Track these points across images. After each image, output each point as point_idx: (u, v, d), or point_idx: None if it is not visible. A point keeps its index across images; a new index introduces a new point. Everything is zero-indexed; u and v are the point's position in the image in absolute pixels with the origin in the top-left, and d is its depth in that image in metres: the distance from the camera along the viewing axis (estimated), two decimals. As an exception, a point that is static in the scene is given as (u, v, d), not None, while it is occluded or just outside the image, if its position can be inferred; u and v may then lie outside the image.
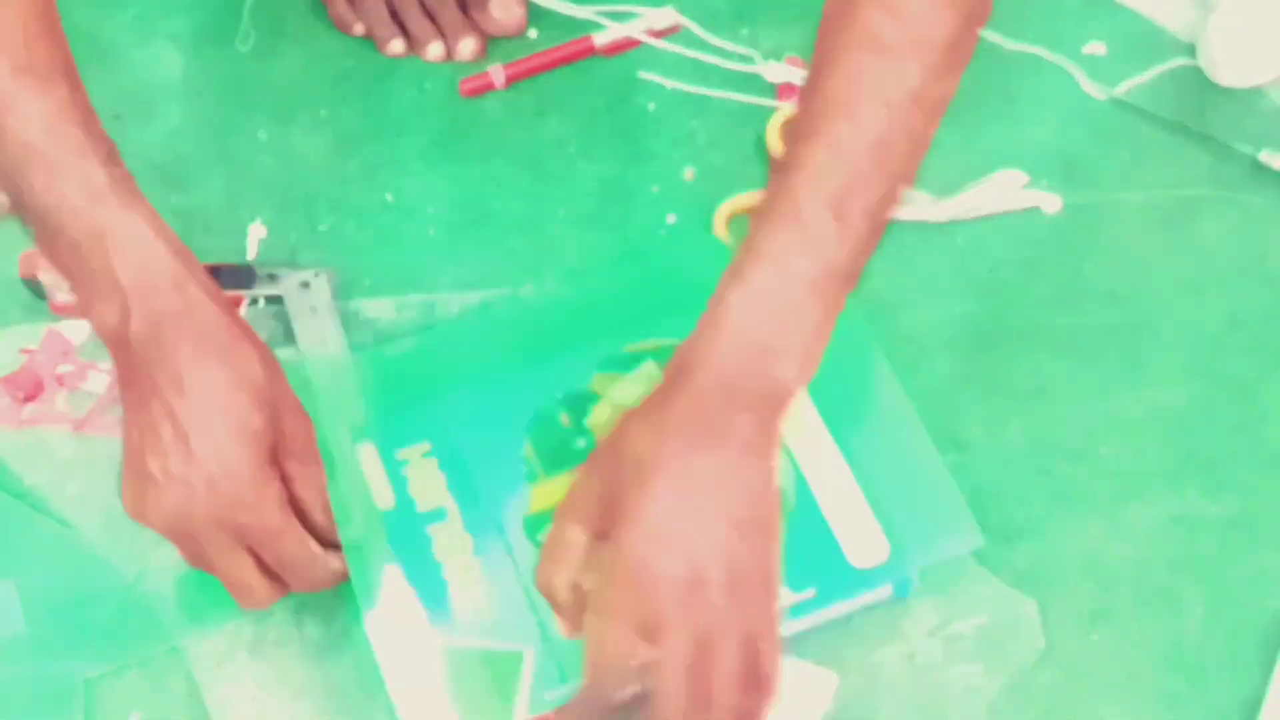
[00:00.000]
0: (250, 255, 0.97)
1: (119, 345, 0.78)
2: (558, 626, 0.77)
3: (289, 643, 0.85)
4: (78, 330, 0.94)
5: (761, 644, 0.74)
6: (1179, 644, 0.86)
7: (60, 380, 0.93)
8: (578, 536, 0.75)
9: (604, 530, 0.74)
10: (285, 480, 0.80)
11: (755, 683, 0.74)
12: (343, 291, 0.96)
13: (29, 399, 0.92)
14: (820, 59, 0.79)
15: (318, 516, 0.82)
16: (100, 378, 0.93)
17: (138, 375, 0.77)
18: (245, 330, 0.80)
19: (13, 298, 0.96)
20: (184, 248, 0.79)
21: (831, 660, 0.84)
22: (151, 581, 0.87)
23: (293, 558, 0.80)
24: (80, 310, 0.79)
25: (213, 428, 0.77)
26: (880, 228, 0.78)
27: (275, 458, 0.79)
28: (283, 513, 0.79)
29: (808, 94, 0.79)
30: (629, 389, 0.88)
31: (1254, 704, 0.84)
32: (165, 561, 0.87)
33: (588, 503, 0.76)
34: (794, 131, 0.78)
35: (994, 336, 0.96)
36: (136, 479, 0.78)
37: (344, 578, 0.83)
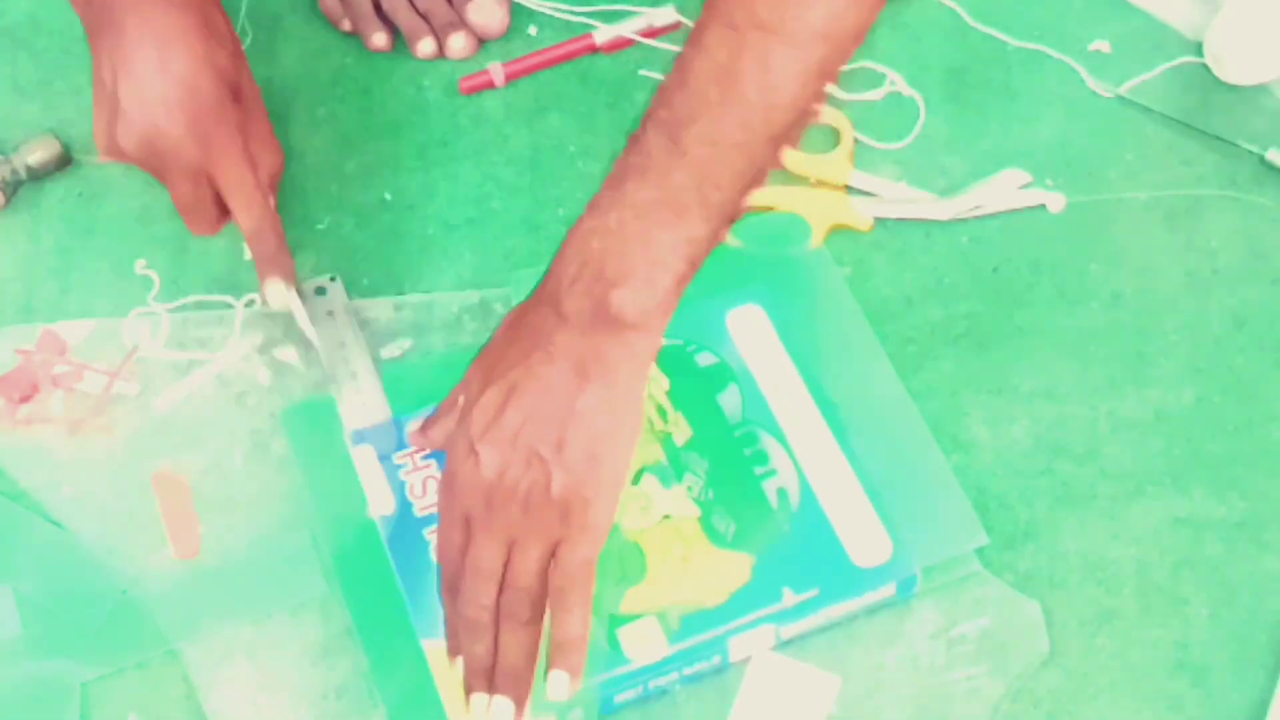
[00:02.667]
0: (248, 255, 0.96)
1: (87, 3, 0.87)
2: None
3: (286, 645, 0.85)
4: (73, 331, 0.94)
5: (564, 563, 0.77)
6: (1184, 646, 0.86)
7: (56, 381, 0.92)
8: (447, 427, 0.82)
9: None
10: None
11: (536, 601, 0.77)
12: (341, 291, 0.96)
13: (24, 400, 0.92)
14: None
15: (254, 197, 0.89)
16: (96, 378, 0.92)
17: (111, 20, 0.86)
18: (218, 8, 0.89)
19: (8, 298, 0.96)
20: None
21: (834, 663, 0.84)
22: (148, 583, 0.86)
23: (239, 183, 0.87)
24: None
25: (182, 59, 0.85)
26: (742, 160, 0.76)
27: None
28: (239, 137, 0.87)
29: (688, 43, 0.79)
30: None
31: (1260, 706, 0.84)
32: (162, 562, 0.87)
33: (452, 403, 0.83)
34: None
35: (998, 336, 0.95)
36: (109, 112, 0.86)
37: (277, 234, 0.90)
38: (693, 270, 0.77)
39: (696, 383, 0.90)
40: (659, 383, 0.89)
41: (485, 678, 0.78)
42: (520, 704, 0.77)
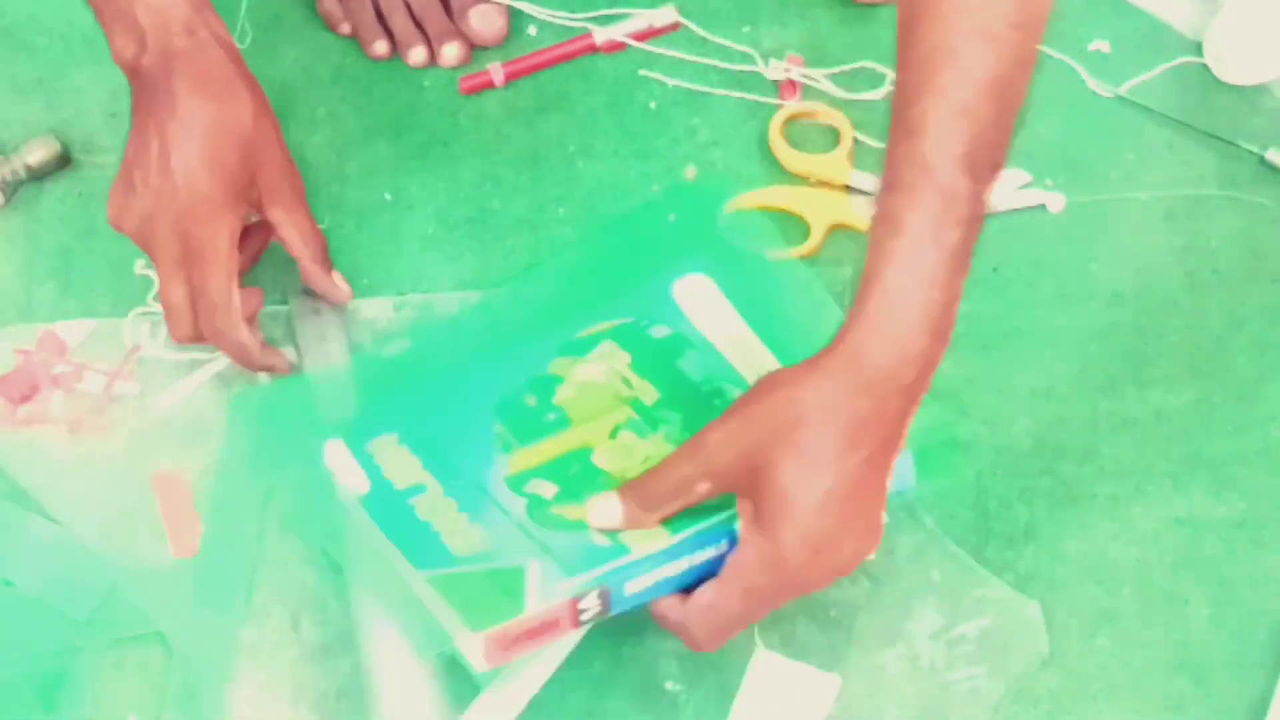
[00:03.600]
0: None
1: (134, 75, 0.87)
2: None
3: (286, 646, 0.85)
4: (73, 331, 0.94)
5: None
6: (1184, 646, 0.86)
7: (56, 381, 0.92)
8: (702, 488, 0.78)
9: (738, 487, 0.77)
10: (269, 224, 0.91)
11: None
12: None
13: (24, 400, 0.92)
14: (905, 19, 0.76)
15: (298, 251, 0.91)
16: (96, 378, 0.92)
17: (144, 101, 0.87)
18: (244, 76, 0.88)
19: (8, 299, 0.96)
20: None
21: (834, 663, 0.84)
22: (147, 582, 0.86)
23: (213, 295, 0.87)
24: (110, 42, 0.88)
25: (190, 151, 0.86)
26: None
27: (255, 202, 0.89)
28: (226, 250, 0.87)
29: (904, 52, 0.76)
30: (590, 369, 0.89)
31: (1260, 706, 0.84)
32: (160, 561, 0.86)
33: (723, 457, 0.77)
34: (900, 97, 0.76)
35: (998, 335, 0.95)
36: (122, 189, 0.88)
37: (252, 360, 0.90)
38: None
39: (655, 355, 0.90)
40: (619, 358, 0.89)
41: None
42: None
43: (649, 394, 0.88)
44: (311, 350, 0.93)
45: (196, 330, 0.89)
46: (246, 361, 0.90)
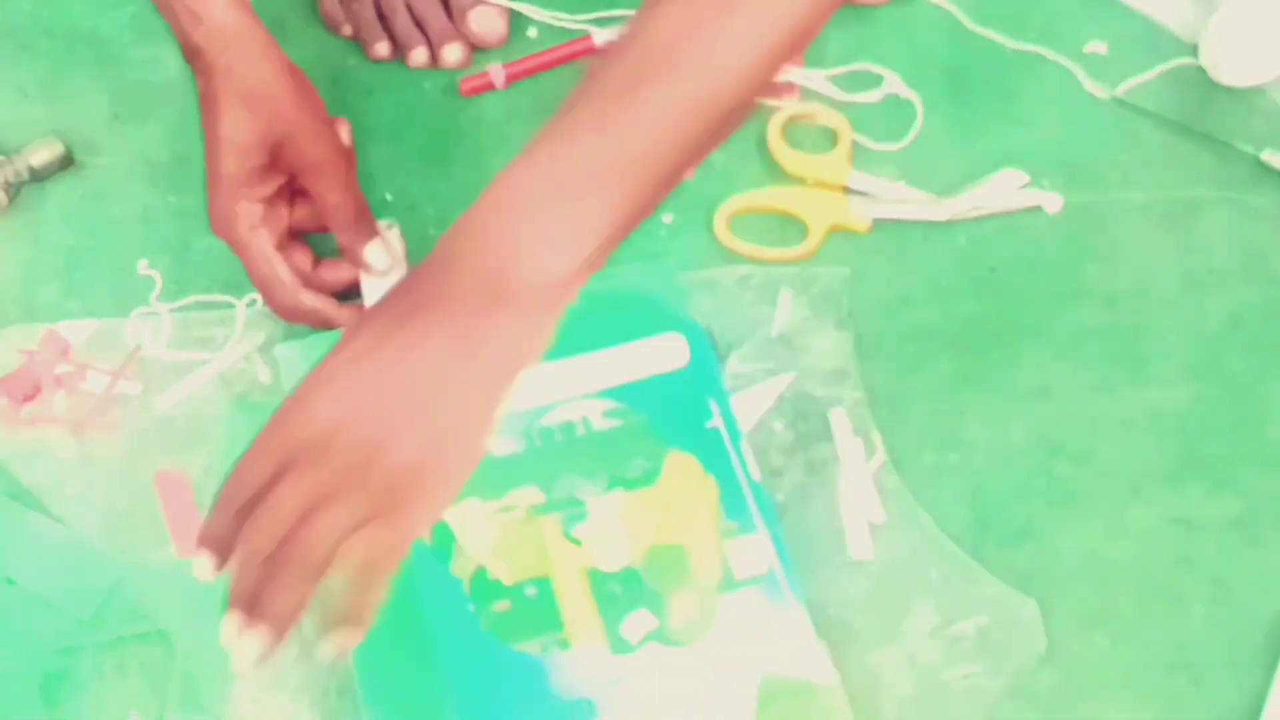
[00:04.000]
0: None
1: (194, 64, 0.91)
2: None
3: (288, 643, 0.85)
4: (76, 331, 0.94)
5: (378, 539, 0.70)
6: (1180, 644, 0.86)
7: (58, 381, 0.93)
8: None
9: None
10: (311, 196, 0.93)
11: (323, 563, 0.69)
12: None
13: (27, 400, 0.92)
14: None
15: (328, 220, 0.93)
16: (99, 378, 0.93)
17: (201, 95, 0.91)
18: (283, 62, 0.91)
19: (11, 299, 0.96)
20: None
21: (832, 661, 0.84)
22: (149, 581, 0.87)
23: (258, 274, 0.91)
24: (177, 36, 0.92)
25: (213, 132, 0.89)
26: (674, 145, 0.72)
27: (289, 176, 0.92)
28: (248, 230, 0.90)
29: None
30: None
31: (1256, 704, 0.84)
32: (163, 560, 0.87)
33: None
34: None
35: (995, 336, 0.95)
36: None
37: (317, 319, 0.92)
38: (605, 250, 0.72)
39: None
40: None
41: (248, 605, 0.69)
42: (278, 639, 0.69)
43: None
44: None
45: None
46: (328, 324, 0.93)
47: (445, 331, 0.71)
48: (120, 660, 0.86)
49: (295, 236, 0.94)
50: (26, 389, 0.92)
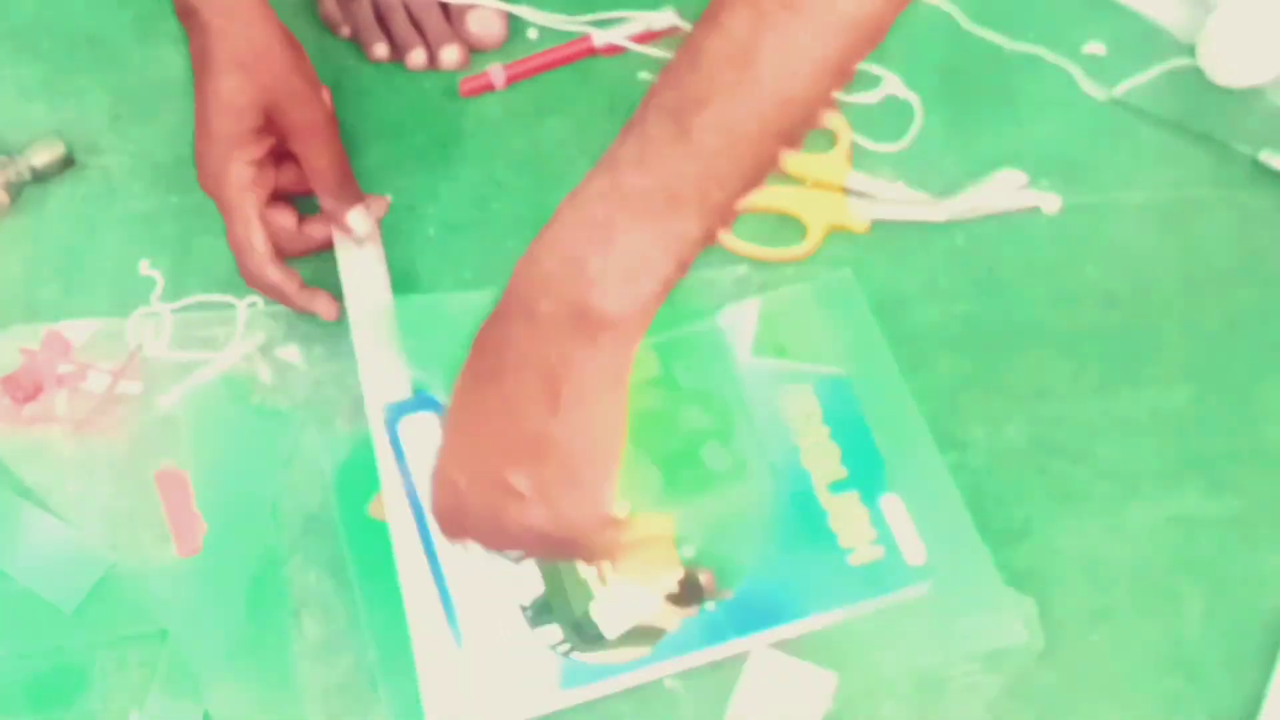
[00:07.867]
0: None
1: (186, 23, 0.92)
2: None
3: (289, 642, 0.86)
4: (77, 331, 0.95)
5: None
6: (1178, 643, 0.86)
7: (60, 380, 0.93)
8: None
9: None
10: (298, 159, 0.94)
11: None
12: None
13: (29, 399, 0.92)
14: None
15: (312, 184, 0.95)
16: (100, 378, 0.93)
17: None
18: (277, 26, 0.92)
19: (12, 298, 0.96)
20: None
21: (832, 659, 0.84)
22: (150, 580, 0.87)
23: (235, 236, 0.93)
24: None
25: (204, 93, 0.91)
26: (749, 155, 0.70)
27: (277, 139, 0.93)
28: (236, 193, 0.91)
29: None
30: None
31: (1254, 703, 0.84)
32: (163, 559, 0.87)
33: None
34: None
35: (994, 336, 0.96)
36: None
37: (276, 293, 0.93)
38: (680, 272, 0.70)
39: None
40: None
41: None
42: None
43: None
44: (352, 289, 0.95)
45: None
46: (284, 301, 0.94)
47: (541, 376, 0.71)
48: (120, 659, 0.86)
49: (280, 197, 0.96)
50: (28, 389, 0.92)
